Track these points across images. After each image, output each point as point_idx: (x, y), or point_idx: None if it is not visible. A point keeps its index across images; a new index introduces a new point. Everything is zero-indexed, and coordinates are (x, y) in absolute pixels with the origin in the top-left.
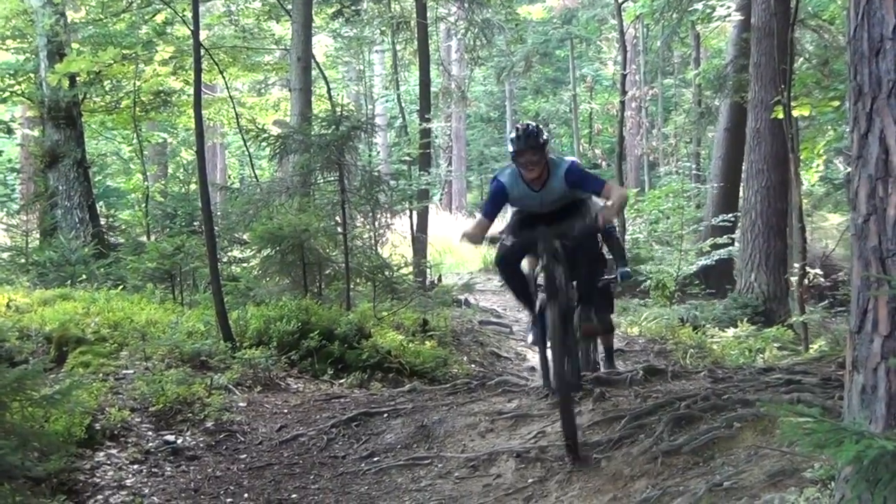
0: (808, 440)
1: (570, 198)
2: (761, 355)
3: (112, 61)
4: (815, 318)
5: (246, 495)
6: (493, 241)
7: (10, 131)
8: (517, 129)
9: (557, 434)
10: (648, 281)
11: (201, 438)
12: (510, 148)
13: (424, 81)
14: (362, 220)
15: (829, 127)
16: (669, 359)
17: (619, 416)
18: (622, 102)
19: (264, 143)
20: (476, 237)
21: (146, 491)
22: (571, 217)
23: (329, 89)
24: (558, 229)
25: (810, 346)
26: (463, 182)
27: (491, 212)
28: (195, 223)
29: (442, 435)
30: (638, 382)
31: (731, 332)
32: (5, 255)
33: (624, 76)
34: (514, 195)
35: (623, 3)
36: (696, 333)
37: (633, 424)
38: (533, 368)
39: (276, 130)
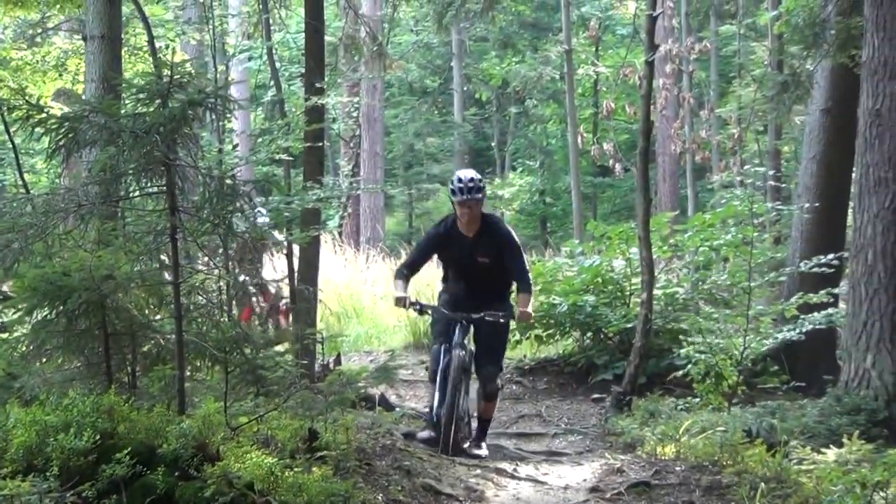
0: None
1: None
2: (882, 494)
3: None
4: None
5: None
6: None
7: None
8: (460, 180)
9: None
10: (692, 367)
11: None
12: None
13: (314, 26)
14: (206, 260)
15: None
16: (727, 499)
17: None
18: (649, 64)
19: (40, 130)
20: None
21: None
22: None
23: (152, 38)
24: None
25: None
26: (379, 197)
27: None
28: None
29: None
30: None
31: (832, 453)
32: None
33: (653, 20)
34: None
35: None
36: (774, 457)
37: None
38: None
39: (59, 108)
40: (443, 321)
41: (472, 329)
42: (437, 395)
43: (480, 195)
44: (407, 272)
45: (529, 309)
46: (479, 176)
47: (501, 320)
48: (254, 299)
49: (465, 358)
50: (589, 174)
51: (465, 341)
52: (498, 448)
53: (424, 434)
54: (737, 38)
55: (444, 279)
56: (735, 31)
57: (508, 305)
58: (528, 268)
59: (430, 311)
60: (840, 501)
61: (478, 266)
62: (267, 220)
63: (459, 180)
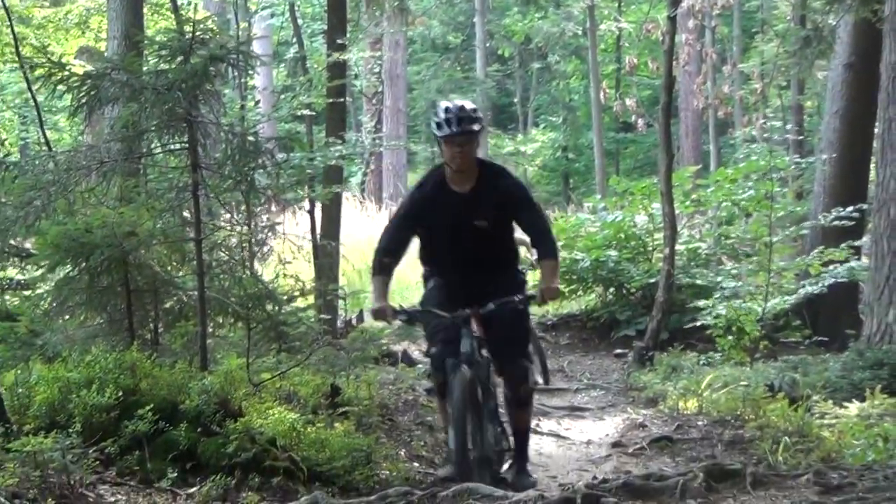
0: None
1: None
2: None
3: None
4: None
5: None
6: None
7: None
8: (447, 110)
9: None
10: (715, 323)
11: None
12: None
13: None
14: (229, 217)
15: None
16: (749, 453)
17: None
18: (672, 20)
19: (62, 88)
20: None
21: None
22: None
23: None
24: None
25: None
26: (402, 154)
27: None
28: None
29: None
30: (695, 492)
31: (854, 407)
32: None
33: None
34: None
35: None
36: (796, 411)
37: None
38: None
39: (81, 66)
40: (439, 321)
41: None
42: (450, 430)
43: (476, 128)
44: (388, 261)
45: (556, 283)
46: (472, 105)
47: (519, 305)
48: None
49: (477, 374)
50: (611, 130)
51: (474, 346)
52: None
53: (444, 472)
54: None
55: (427, 257)
56: None
57: (520, 278)
58: (550, 227)
59: (420, 318)
60: (862, 455)
61: (474, 233)
62: None
63: (446, 110)
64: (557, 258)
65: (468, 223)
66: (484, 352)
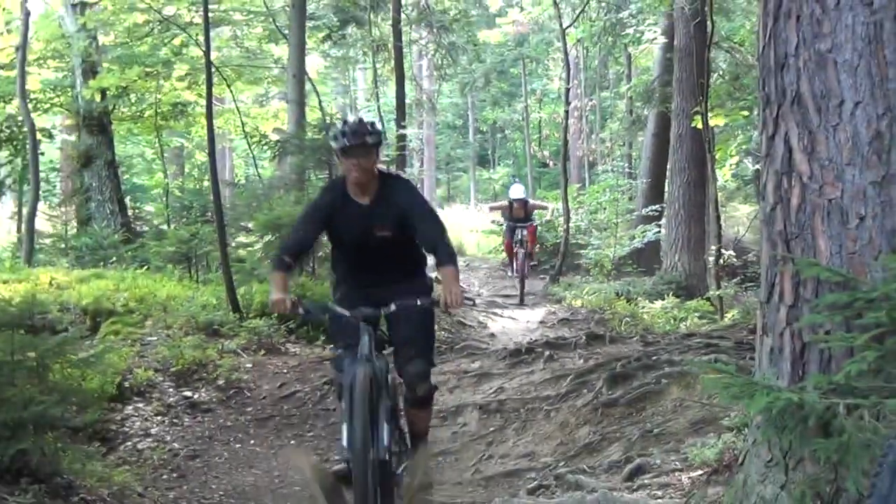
0: (725, 393)
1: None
2: (684, 323)
3: (136, 78)
4: (729, 293)
5: (252, 441)
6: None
7: (51, 136)
8: (346, 123)
9: (514, 389)
10: (589, 261)
11: (214, 394)
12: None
13: (400, 95)
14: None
15: (740, 132)
16: (607, 326)
17: (565, 374)
18: (566, 112)
19: (265, 147)
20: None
21: (168, 438)
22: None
23: (320, 101)
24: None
25: (725, 315)
26: (433, 179)
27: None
28: (208, 214)
29: None
30: (581, 346)
31: (658, 303)
32: (48, 241)
33: (568, 90)
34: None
35: (567, 28)
36: (630, 305)
37: (577, 381)
38: (493, 335)
39: (275, 136)
40: (340, 321)
41: (383, 323)
42: (344, 426)
43: (371, 140)
44: (288, 259)
45: (457, 288)
46: (371, 119)
47: (420, 308)
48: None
49: (376, 371)
50: (537, 167)
51: (373, 348)
52: (493, 302)
53: (338, 468)
54: (609, 98)
55: (336, 265)
56: (608, 94)
57: (427, 281)
58: (445, 232)
59: (319, 314)
60: (663, 326)
61: (377, 242)
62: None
63: (344, 122)
64: (456, 264)
65: (371, 233)
66: (385, 351)
